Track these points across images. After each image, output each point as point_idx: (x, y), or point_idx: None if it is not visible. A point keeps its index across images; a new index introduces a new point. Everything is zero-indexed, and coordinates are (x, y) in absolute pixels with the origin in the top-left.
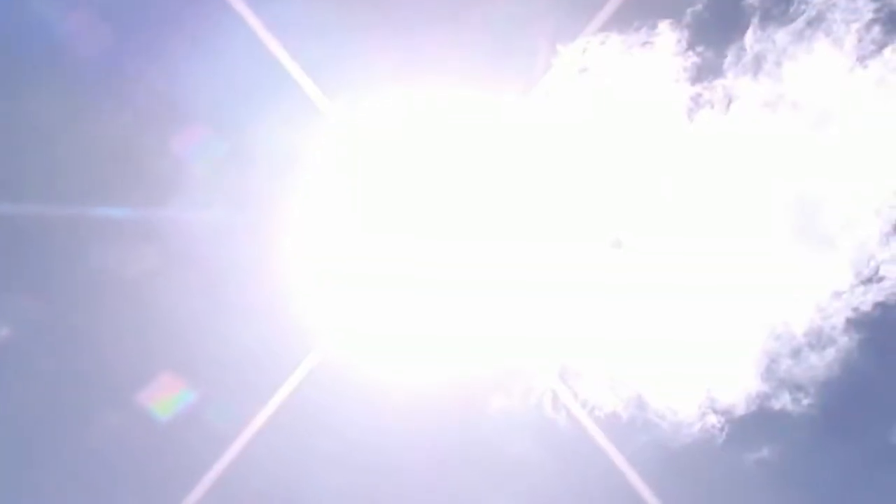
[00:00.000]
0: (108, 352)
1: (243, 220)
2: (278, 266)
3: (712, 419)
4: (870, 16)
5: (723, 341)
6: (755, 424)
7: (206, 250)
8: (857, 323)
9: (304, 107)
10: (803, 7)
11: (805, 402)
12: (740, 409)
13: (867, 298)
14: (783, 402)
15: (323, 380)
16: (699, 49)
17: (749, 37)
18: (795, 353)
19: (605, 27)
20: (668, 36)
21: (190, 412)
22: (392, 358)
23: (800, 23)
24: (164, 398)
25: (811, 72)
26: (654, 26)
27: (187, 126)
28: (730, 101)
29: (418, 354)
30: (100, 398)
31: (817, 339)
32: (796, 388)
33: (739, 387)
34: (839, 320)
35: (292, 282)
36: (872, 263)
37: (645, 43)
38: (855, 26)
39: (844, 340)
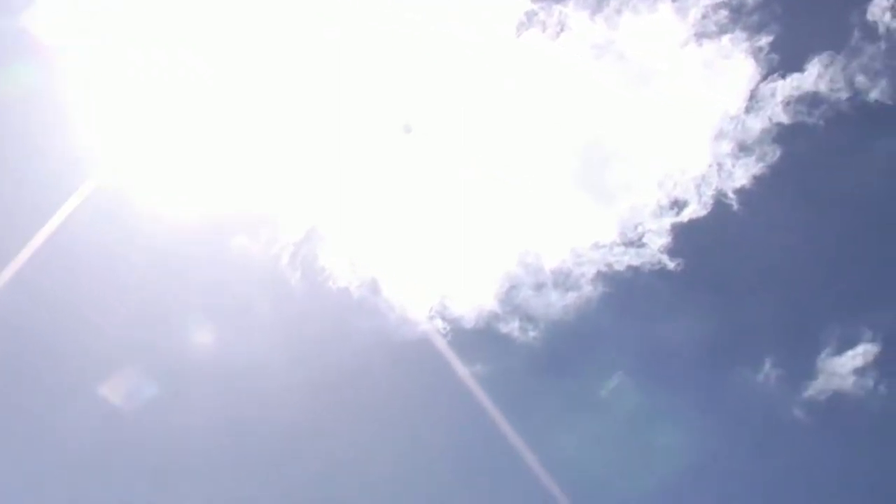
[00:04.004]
0: None
1: (25, 43)
2: (59, 94)
3: (439, 324)
4: None
5: (471, 255)
6: (477, 340)
7: None
8: (606, 278)
9: None
10: None
11: (532, 333)
12: (468, 323)
13: (623, 259)
14: (511, 327)
15: (95, 208)
16: None
17: None
18: (538, 287)
19: None
20: None
21: None
22: (159, 192)
23: None
24: None
25: (648, 31)
26: None
27: None
28: (561, 30)
29: (185, 189)
30: None
31: (563, 280)
32: (527, 318)
33: (474, 301)
34: (590, 270)
35: (72, 111)
36: (640, 229)
37: None
38: (704, 2)
39: (588, 290)
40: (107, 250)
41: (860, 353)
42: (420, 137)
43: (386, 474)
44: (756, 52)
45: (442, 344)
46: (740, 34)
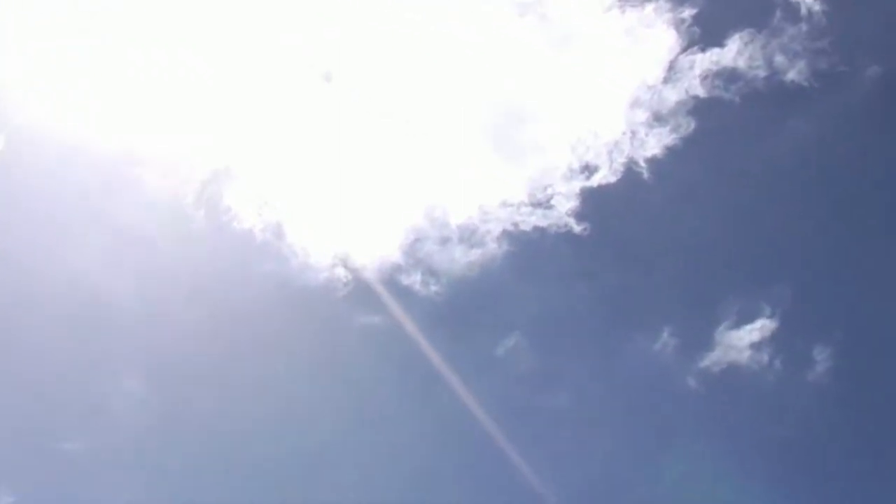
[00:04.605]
0: None
1: None
2: None
3: (340, 272)
4: None
5: (378, 205)
6: (377, 291)
7: None
8: (512, 237)
9: None
10: None
11: (433, 287)
12: (370, 273)
13: (530, 220)
14: (412, 280)
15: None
16: None
17: None
18: (443, 241)
19: None
20: None
21: None
22: (69, 122)
23: None
24: None
25: None
26: None
27: None
28: None
29: (96, 120)
30: None
31: (469, 236)
32: (430, 272)
33: (377, 252)
34: (496, 228)
35: None
36: (549, 191)
37: None
38: None
39: (493, 247)
40: (14, 181)
41: (758, 328)
42: (338, 86)
43: (276, 415)
44: (678, 24)
45: (342, 292)
46: (664, 4)
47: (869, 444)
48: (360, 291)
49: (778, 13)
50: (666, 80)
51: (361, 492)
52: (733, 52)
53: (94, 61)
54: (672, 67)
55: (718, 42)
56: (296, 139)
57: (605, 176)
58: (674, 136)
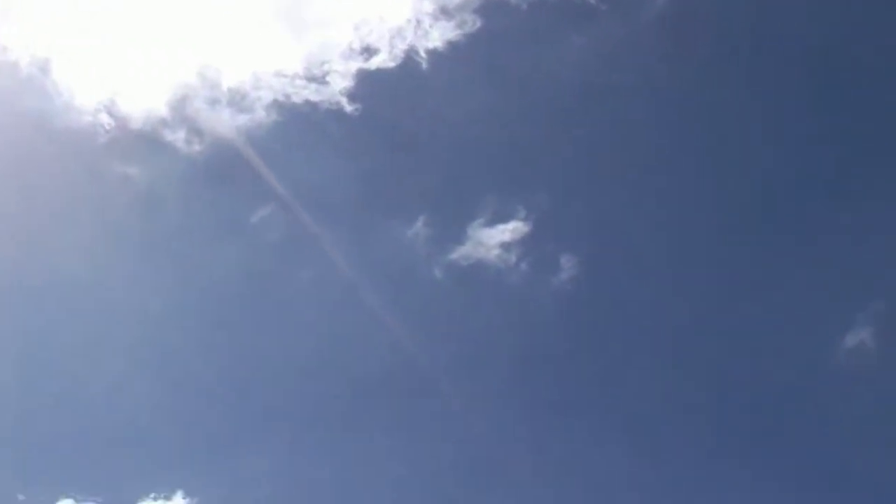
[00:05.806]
0: None
1: None
2: None
3: (104, 118)
4: None
5: (151, 56)
6: (138, 145)
7: None
8: (282, 107)
9: None
10: None
11: (196, 146)
12: (134, 124)
13: (303, 93)
14: (176, 136)
15: None
16: None
17: None
18: (212, 102)
19: None
20: None
21: None
22: None
23: None
24: None
25: None
26: None
27: None
28: None
29: None
30: None
31: (239, 101)
32: (195, 131)
33: (143, 104)
34: (267, 96)
35: None
36: (325, 67)
37: None
38: None
39: (262, 115)
40: None
41: (510, 229)
42: None
43: (23, 252)
44: None
45: (103, 139)
46: None
47: (598, 352)
48: (121, 140)
49: None
50: None
51: (106, 330)
52: None
53: None
54: None
55: None
56: None
57: (384, 60)
58: (458, 31)
